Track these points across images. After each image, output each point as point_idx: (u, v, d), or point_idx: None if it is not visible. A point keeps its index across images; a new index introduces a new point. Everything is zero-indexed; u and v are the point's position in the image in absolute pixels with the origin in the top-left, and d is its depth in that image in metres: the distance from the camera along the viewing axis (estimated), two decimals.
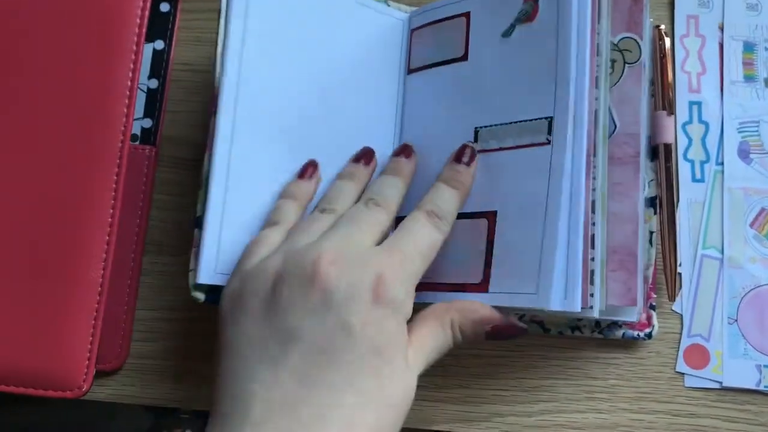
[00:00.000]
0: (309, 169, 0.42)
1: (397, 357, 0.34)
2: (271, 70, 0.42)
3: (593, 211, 0.38)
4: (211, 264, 0.40)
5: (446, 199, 0.40)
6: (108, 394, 0.44)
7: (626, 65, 0.42)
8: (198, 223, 0.41)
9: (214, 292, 0.41)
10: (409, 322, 0.36)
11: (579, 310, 0.36)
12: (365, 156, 0.43)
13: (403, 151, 0.43)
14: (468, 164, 0.41)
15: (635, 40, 0.42)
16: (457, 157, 0.41)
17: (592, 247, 0.38)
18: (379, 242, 0.38)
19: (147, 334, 0.45)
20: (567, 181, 0.38)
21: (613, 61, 0.42)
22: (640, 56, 0.42)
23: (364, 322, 0.33)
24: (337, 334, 0.33)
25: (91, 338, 0.42)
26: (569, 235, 0.37)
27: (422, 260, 0.37)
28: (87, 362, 0.42)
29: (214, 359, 0.36)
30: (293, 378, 0.32)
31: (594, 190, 0.38)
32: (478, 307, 0.38)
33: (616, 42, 0.42)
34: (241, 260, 0.38)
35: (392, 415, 0.34)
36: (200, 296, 0.41)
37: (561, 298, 0.36)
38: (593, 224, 0.38)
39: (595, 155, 0.39)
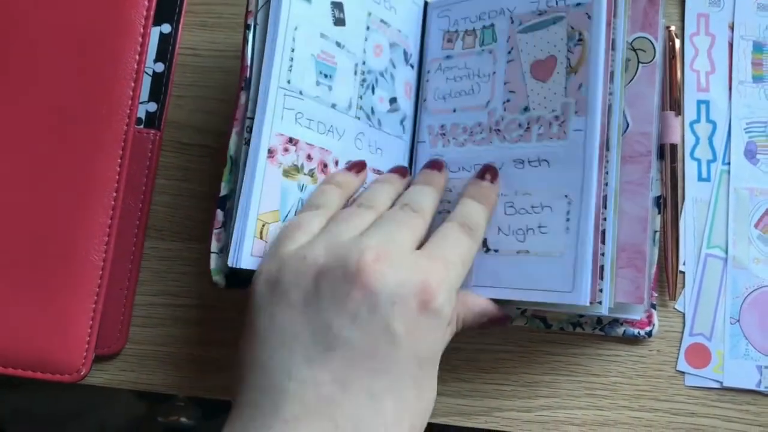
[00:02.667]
0: (358, 166, 0.42)
1: (435, 366, 0.34)
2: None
3: (605, 207, 0.38)
4: (248, 247, 0.37)
5: (475, 212, 0.39)
6: (106, 379, 0.44)
7: (640, 64, 0.42)
8: (222, 203, 0.39)
9: (234, 276, 0.39)
10: None
11: (588, 304, 0.36)
12: (401, 170, 0.43)
13: (435, 165, 0.43)
14: (491, 182, 0.41)
15: (650, 40, 0.42)
16: (480, 175, 0.41)
17: (603, 242, 0.38)
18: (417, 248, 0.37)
19: (146, 320, 0.45)
20: (579, 174, 0.38)
21: (627, 60, 0.41)
22: (654, 56, 0.42)
23: (409, 331, 0.32)
24: (382, 340, 0.32)
25: (91, 322, 0.41)
26: (579, 229, 0.37)
27: (463, 267, 0.37)
28: (86, 346, 0.41)
29: (240, 343, 0.35)
30: (331, 380, 0.31)
31: (606, 184, 0.38)
32: (480, 301, 0.39)
33: (630, 41, 0.42)
34: (279, 242, 0.36)
35: (423, 420, 0.33)
36: (221, 281, 0.39)
37: (570, 291, 0.37)
38: (604, 219, 0.38)
39: (608, 149, 0.38)
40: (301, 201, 0.40)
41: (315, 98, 0.40)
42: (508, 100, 0.42)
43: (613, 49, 0.39)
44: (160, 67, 0.47)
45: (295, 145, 0.39)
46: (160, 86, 0.47)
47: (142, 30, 0.43)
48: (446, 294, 0.34)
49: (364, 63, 0.43)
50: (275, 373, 0.32)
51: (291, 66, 0.39)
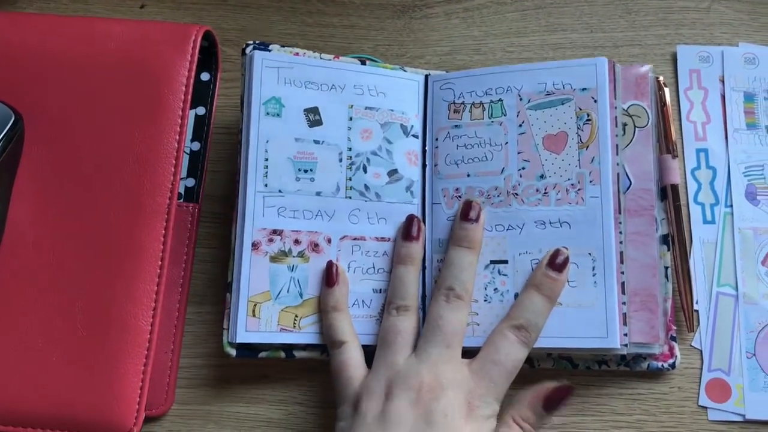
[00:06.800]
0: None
1: None
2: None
3: (621, 261, 0.43)
4: (242, 324, 0.44)
5: (537, 310, 0.42)
6: None
7: (636, 129, 0.47)
8: (229, 287, 0.46)
9: (244, 347, 0.45)
10: None
11: (619, 346, 0.42)
12: (414, 227, 0.46)
13: (470, 212, 0.45)
14: (560, 271, 0.43)
15: (643, 107, 0.47)
16: (551, 262, 0.43)
17: (623, 292, 0.43)
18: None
19: (190, 381, 0.48)
20: (599, 235, 0.44)
21: (624, 125, 0.46)
22: (648, 121, 0.47)
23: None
24: None
25: (141, 384, 0.44)
26: (605, 282, 0.43)
27: (507, 380, 0.41)
28: (137, 407, 0.44)
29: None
30: None
31: (621, 243, 0.44)
32: (523, 394, 0.42)
33: (626, 108, 0.47)
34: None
35: None
36: (232, 352, 0.45)
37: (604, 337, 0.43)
38: (622, 273, 0.43)
39: (620, 212, 0.44)
40: (293, 279, 0.45)
41: (296, 192, 0.46)
42: (523, 168, 0.46)
43: (616, 125, 0.45)
44: (196, 146, 0.51)
45: (279, 234, 0.46)
46: (197, 163, 0.51)
47: (180, 113, 0.47)
48: (487, 405, 0.40)
49: (350, 149, 0.48)
50: None
51: (266, 172, 0.46)
